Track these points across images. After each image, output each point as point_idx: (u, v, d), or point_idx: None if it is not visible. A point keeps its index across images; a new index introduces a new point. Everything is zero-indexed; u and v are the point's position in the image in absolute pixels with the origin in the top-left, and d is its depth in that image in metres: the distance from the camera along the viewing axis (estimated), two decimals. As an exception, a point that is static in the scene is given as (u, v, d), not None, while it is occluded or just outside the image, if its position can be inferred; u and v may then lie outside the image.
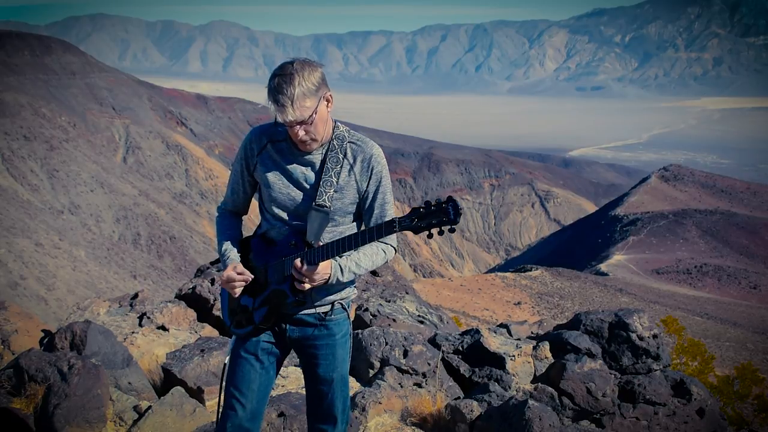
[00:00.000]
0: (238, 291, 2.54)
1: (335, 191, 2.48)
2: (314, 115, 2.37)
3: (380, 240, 2.53)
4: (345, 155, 2.52)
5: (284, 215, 2.52)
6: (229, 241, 2.63)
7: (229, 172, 2.70)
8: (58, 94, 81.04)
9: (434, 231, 2.21)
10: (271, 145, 2.54)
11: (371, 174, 2.53)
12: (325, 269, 2.42)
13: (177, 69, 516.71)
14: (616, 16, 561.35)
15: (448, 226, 2.19)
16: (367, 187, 2.53)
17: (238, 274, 2.53)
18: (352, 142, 2.54)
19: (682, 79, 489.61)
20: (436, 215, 2.19)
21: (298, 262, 2.39)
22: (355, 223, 2.62)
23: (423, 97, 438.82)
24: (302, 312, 2.59)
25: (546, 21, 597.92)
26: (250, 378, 2.59)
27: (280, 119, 2.35)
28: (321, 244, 2.43)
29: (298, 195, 2.50)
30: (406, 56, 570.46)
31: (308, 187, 2.50)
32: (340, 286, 2.61)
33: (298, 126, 2.37)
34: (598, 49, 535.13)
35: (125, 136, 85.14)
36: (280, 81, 2.32)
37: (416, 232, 2.23)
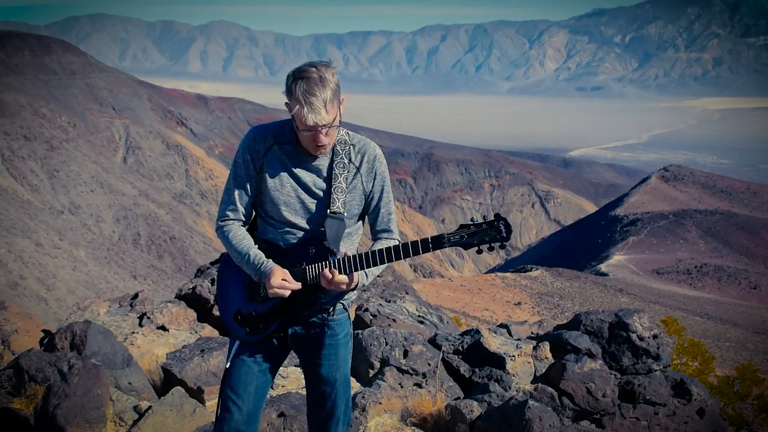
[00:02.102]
0: (285, 295, 2.43)
1: (346, 196, 2.48)
2: (337, 119, 2.37)
3: (388, 237, 2.56)
4: (350, 159, 2.51)
5: (297, 221, 2.48)
6: (254, 249, 2.49)
7: (235, 157, 2.61)
8: (58, 94, 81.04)
9: (484, 247, 2.23)
10: (278, 147, 2.48)
11: (375, 175, 2.54)
12: (355, 278, 2.40)
13: (177, 69, 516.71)
14: (616, 17, 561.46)
15: (499, 243, 2.22)
16: (372, 187, 2.54)
17: (285, 281, 2.42)
18: (353, 145, 2.53)
19: (682, 79, 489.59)
20: (487, 233, 2.23)
21: (327, 272, 2.35)
22: (360, 222, 2.62)
23: (423, 97, 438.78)
24: (305, 312, 2.58)
25: (546, 21, 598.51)
26: (247, 381, 2.57)
27: (310, 122, 2.30)
28: (346, 253, 2.38)
29: (309, 200, 2.47)
30: (406, 56, 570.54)
31: (319, 193, 2.47)
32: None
33: (323, 128, 2.34)
34: (598, 49, 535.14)
35: (125, 136, 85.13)
36: (310, 84, 2.29)
37: (467, 248, 2.26)
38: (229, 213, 2.55)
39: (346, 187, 2.48)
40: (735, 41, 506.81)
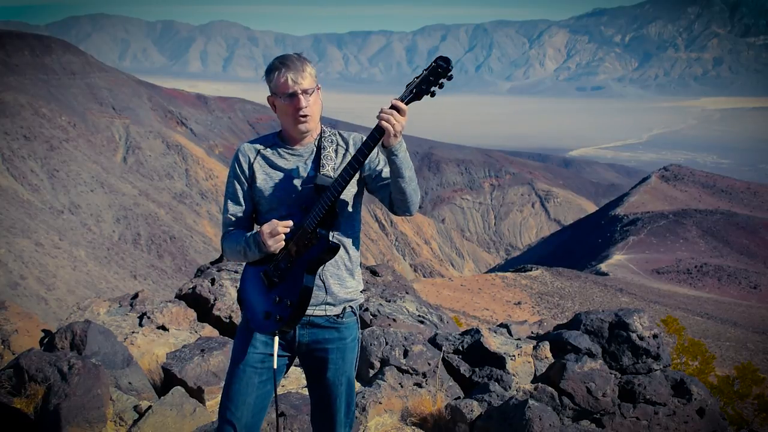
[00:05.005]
0: (282, 238, 2.44)
1: (335, 163, 2.53)
2: (315, 90, 2.48)
3: None
4: (337, 143, 2.60)
5: (290, 207, 2.52)
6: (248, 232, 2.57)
7: (227, 176, 2.68)
8: (58, 94, 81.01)
9: (435, 89, 2.30)
10: (264, 149, 2.59)
11: None
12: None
13: (177, 69, 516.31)
14: (616, 16, 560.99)
15: (446, 75, 2.29)
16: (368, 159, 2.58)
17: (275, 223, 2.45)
18: (340, 134, 2.64)
19: (682, 79, 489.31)
20: (431, 74, 2.30)
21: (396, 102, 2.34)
22: (359, 208, 2.68)
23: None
24: (314, 315, 2.56)
25: (546, 21, 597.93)
26: (247, 392, 2.56)
27: (290, 81, 2.43)
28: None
29: (300, 185, 2.54)
30: (406, 56, 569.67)
31: (309, 172, 2.55)
32: (352, 286, 2.61)
33: (303, 94, 2.44)
34: (598, 49, 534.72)
35: (125, 136, 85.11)
36: (288, 57, 2.46)
37: (419, 96, 2.33)
38: (230, 228, 2.64)
39: (335, 157, 2.55)
40: (735, 41, 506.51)
